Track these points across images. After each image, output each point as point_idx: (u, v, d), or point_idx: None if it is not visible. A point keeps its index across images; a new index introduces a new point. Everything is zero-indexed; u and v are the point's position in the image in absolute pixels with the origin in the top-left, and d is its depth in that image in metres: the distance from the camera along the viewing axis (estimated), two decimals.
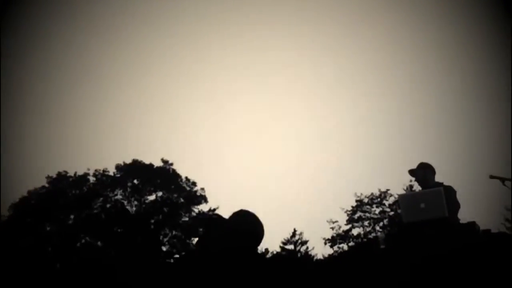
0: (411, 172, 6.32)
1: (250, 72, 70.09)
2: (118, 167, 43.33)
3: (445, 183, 6.04)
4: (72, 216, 39.67)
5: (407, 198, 5.83)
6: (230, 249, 2.80)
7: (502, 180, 5.72)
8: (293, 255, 45.09)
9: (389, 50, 67.44)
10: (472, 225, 5.28)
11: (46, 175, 41.46)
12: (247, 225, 2.95)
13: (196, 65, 70.12)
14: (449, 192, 5.76)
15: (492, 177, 5.78)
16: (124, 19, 66.10)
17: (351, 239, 43.31)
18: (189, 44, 69.44)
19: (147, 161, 43.35)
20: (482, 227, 5.36)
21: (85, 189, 41.68)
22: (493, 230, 5.43)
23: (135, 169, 42.80)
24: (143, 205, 41.66)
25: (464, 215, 5.97)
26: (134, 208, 41.10)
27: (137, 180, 42.18)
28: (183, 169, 44.04)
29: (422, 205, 5.28)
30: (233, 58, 70.50)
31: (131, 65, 69.46)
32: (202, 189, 43.71)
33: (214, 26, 70.94)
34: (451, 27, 62.39)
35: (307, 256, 45.51)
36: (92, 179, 42.66)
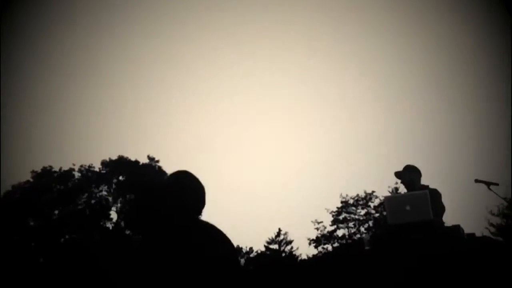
0: (397, 175, 6.32)
1: (238, 71, 69.90)
2: (103, 163, 43.12)
3: (431, 186, 6.06)
4: (56, 212, 39.39)
5: (393, 200, 5.82)
6: (175, 215, 2.55)
7: (488, 184, 5.74)
8: (278, 255, 45.11)
9: (380, 48, 67.61)
10: (456, 228, 5.29)
11: (31, 170, 41.18)
12: (188, 182, 2.70)
13: (188, 62, 69.89)
14: (434, 195, 5.77)
15: (477, 181, 5.80)
16: (111, 12, 65.62)
17: (335, 240, 43.43)
18: (182, 41, 69.16)
19: (133, 158, 43.22)
20: (466, 231, 5.38)
21: (70, 184, 41.42)
22: (478, 234, 5.44)
23: (121, 165, 42.61)
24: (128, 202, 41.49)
25: (449, 219, 5.98)
26: (119, 205, 40.90)
27: (123, 177, 41.99)
28: (170, 167, 43.93)
29: (407, 208, 5.29)
30: (224, 57, 70.22)
31: (120, 61, 69.01)
32: None
33: (207, 24, 70.57)
34: (451, 27, 62.35)
35: (291, 256, 45.57)
36: (77, 174, 42.43)
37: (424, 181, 6.22)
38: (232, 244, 2.57)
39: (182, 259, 2.31)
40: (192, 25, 69.21)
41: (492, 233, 34.67)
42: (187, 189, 2.64)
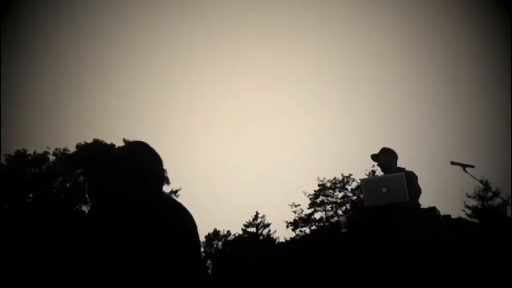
0: (374, 157, 6.29)
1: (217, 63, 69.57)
2: (78, 147, 42.67)
3: (407, 169, 6.05)
4: (31, 195, 38.93)
5: (369, 183, 5.80)
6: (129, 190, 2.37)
7: (463, 166, 5.74)
8: (255, 238, 45.31)
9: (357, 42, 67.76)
10: (432, 210, 5.30)
11: (4, 153, 40.56)
12: (145, 153, 2.53)
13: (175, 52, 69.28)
14: (411, 177, 5.76)
15: (453, 163, 5.79)
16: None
17: (313, 223, 43.70)
18: (170, 34, 68.57)
19: (109, 141, 42.82)
20: (442, 213, 5.39)
21: (44, 168, 40.91)
22: (453, 216, 5.46)
23: (95, 148, 42.17)
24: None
25: (426, 201, 5.99)
26: None
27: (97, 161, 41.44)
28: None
29: (384, 190, 5.28)
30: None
31: (104, 45, 68.04)
32: (165, 170, 43.33)
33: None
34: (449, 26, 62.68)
35: (269, 238, 45.79)
36: (52, 158, 41.90)
37: (400, 163, 6.21)
38: (194, 221, 2.47)
39: (141, 234, 2.22)
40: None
41: (468, 215, 35.28)
42: (145, 161, 2.49)
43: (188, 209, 2.49)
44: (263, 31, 69.71)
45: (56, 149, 42.30)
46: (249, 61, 69.96)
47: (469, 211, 35.99)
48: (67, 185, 40.33)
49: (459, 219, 5.61)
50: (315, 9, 67.38)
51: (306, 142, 64.72)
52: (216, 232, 48.55)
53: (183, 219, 2.41)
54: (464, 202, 36.45)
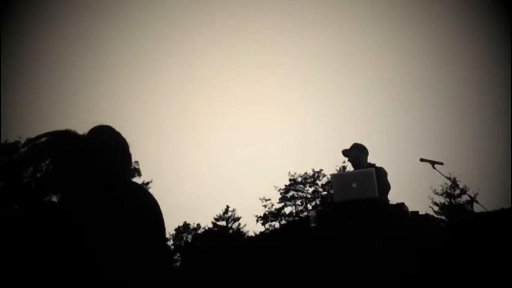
0: (344, 153, 6.33)
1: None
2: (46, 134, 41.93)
3: (377, 165, 6.09)
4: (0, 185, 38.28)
5: (339, 178, 5.84)
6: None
7: (432, 163, 5.81)
8: (225, 231, 45.31)
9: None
10: (401, 206, 5.35)
11: None
12: (111, 137, 2.47)
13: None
14: (381, 173, 5.81)
15: (422, 160, 5.86)
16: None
17: (283, 217, 43.91)
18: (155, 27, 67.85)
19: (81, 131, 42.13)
20: (410, 209, 5.44)
21: (15, 157, 40.22)
22: (421, 212, 5.51)
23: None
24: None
25: (395, 197, 6.04)
26: None
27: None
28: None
29: (354, 185, 5.31)
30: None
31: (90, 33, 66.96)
32: (136, 162, 43.06)
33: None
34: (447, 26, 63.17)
35: (238, 232, 45.85)
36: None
37: (371, 159, 6.25)
38: (159, 208, 2.44)
39: (108, 219, 2.18)
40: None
41: (435, 211, 35.85)
42: (110, 144, 2.44)
43: (159, 201, 2.46)
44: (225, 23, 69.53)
45: (27, 138, 41.58)
46: (223, 51, 69.71)
47: (436, 208, 36.59)
48: (38, 175, 39.65)
49: (427, 215, 5.67)
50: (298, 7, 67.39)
51: (278, 137, 64.86)
52: (186, 225, 48.42)
53: (148, 205, 2.37)
54: (432, 199, 37.04)
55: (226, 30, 70.23)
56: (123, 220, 2.20)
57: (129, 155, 2.53)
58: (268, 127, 66.11)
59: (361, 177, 5.37)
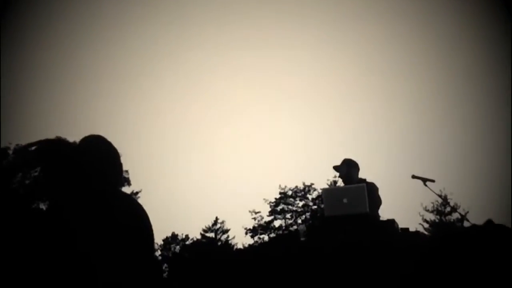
0: (336, 168, 6.35)
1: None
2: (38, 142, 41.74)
3: (368, 179, 6.10)
4: None
5: (330, 192, 5.84)
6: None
7: (424, 180, 5.81)
8: (214, 243, 45.15)
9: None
10: (391, 222, 5.35)
11: None
12: (103, 146, 2.47)
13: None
14: (371, 188, 5.82)
15: (414, 177, 5.86)
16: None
17: (272, 230, 43.80)
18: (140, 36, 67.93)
19: (72, 140, 41.98)
20: (401, 225, 5.43)
21: (4, 163, 40.00)
22: (411, 229, 5.51)
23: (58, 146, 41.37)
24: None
25: (385, 213, 6.04)
26: None
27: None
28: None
29: (345, 200, 5.32)
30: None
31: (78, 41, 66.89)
32: (126, 171, 42.90)
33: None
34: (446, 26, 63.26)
35: (227, 244, 45.69)
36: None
37: (362, 174, 6.25)
38: (148, 218, 2.42)
39: (97, 228, 2.16)
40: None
41: (425, 228, 35.94)
42: (102, 154, 2.43)
43: (148, 210, 2.45)
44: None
45: (17, 145, 41.43)
46: (214, 62, 69.87)
47: (426, 225, 36.68)
48: (26, 181, 39.40)
49: (417, 232, 5.66)
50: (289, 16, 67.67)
51: (270, 149, 64.91)
52: (174, 236, 48.21)
53: (138, 214, 2.36)
54: (422, 216, 37.16)
55: (212, 45, 70.44)
56: (112, 229, 2.18)
57: (120, 165, 2.52)
58: (260, 139, 66.23)
59: (352, 192, 5.38)
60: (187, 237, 48.29)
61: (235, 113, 69.51)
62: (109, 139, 2.53)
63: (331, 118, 64.43)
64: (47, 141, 2.46)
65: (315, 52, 66.97)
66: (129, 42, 68.45)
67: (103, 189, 2.33)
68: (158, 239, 46.12)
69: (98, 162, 2.38)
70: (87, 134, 2.54)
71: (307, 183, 44.77)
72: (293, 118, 66.15)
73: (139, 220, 2.33)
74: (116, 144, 2.53)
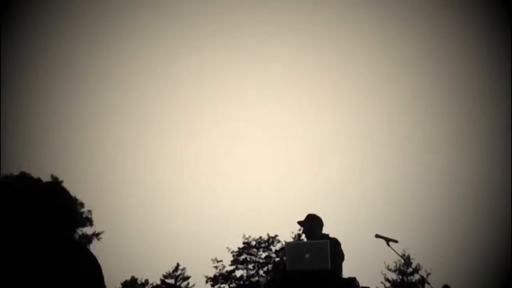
0: (300, 223, 6.39)
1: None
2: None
3: (331, 235, 6.12)
4: None
5: (294, 246, 5.86)
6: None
7: (387, 240, 5.86)
8: None
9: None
10: (352, 280, 5.36)
11: None
12: (55, 195, 2.35)
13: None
14: (334, 244, 5.84)
15: (377, 236, 5.91)
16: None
17: (233, 280, 43.29)
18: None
19: (37, 176, 41.32)
20: (362, 284, 5.44)
21: None
22: None
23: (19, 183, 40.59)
24: None
25: (347, 271, 6.03)
26: None
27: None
28: (77, 188, 42.26)
29: (307, 255, 5.33)
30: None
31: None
32: (89, 211, 42.20)
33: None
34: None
35: None
36: None
37: (326, 230, 6.27)
38: (99, 268, 2.36)
39: (43, 275, 2.10)
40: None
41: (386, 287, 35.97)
42: (53, 201, 2.38)
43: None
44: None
45: None
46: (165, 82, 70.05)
47: (388, 284, 36.74)
48: None
49: None
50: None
51: (235, 197, 64.60)
52: (133, 280, 47.24)
53: (90, 262, 2.30)
54: (385, 275, 37.23)
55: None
56: (62, 275, 2.12)
57: (76, 214, 2.47)
58: (226, 187, 65.97)
59: (315, 248, 5.39)
60: (146, 281, 47.38)
61: (198, 162, 69.37)
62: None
63: (299, 170, 64.74)
64: (10, 177, 2.42)
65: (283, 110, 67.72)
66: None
67: (52, 236, 2.28)
68: (117, 283, 45.14)
69: (47, 208, 2.33)
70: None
71: (272, 234, 44.65)
72: (262, 166, 66.34)
73: (90, 267, 2.28)
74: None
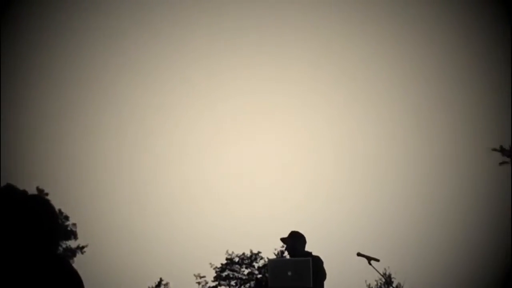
0: (282, 240, 6.41)
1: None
2: None
3: (314, 253, 6.15)
4: None
5: (276, 264, 5.90)
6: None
7: (369, 259, 5.90)
8: None
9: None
10: None
11: None
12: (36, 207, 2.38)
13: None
14: (317, 262, 5.87)
15: (359, 255, 5.95)
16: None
17: None
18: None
19: (23, 187, 40.72)
20: None
21: None
22: None
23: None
24: None
25: None
26: None
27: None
28: (64, 201, 41.92)
29: (289, 273, 5.36)
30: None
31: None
32: (74, 224, 41.81)
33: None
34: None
35: None
36: None
37: (309, 247, 6.30)
38: (81, 281, 2.38)
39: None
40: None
41: None
42: (32, 214, 2.40)
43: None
44: None
45: None
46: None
47: None
48: None
49: None
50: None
51: (218, 213, 64.34)
52: None
53: (64, 278, 2.32)
54: None
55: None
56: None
57: (57, 226, 2.48)
58: (210, 201, 65.74)
59: (297, 265, 5.42)
60: None
61: (187, 174, 69.20)
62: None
63: (283, 187, 64.73)
64: None
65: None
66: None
67: (31, 249, 2.30)
68: None
69: (25, 221, 2.34)
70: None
71: (255, 251, 44.52)
72: (249, 181, 66.23)
73: (65, 282, 2.29)
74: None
